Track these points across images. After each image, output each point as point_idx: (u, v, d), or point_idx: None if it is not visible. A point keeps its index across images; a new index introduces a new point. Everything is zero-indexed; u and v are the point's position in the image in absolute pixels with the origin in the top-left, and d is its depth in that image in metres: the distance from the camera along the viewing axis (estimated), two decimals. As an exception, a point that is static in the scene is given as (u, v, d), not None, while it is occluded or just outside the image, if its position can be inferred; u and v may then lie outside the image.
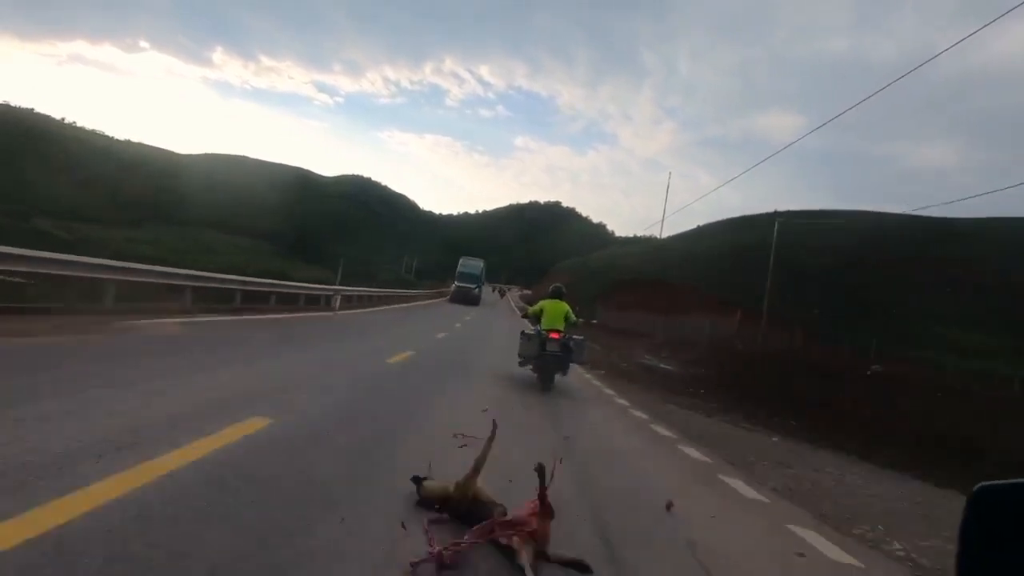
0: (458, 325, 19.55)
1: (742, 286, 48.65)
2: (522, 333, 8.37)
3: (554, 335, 7.84)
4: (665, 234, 77.46)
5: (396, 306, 27.98)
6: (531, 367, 8.02)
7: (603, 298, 44.39)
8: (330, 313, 16.10)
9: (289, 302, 15.71)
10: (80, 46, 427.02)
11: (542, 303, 8.57)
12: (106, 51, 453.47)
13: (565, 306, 8.28)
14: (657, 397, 9.32)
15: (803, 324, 21.81)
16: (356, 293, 23.54)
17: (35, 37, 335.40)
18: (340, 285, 24.39)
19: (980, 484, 0.76)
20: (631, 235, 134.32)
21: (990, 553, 0.76)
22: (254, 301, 13.38)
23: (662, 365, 14.06)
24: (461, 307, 34.16)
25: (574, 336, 8.21)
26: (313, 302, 17.50)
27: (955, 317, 41.99)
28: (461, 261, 45.98)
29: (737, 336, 19.71)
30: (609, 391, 9.23)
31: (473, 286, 42.42)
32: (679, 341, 21.10)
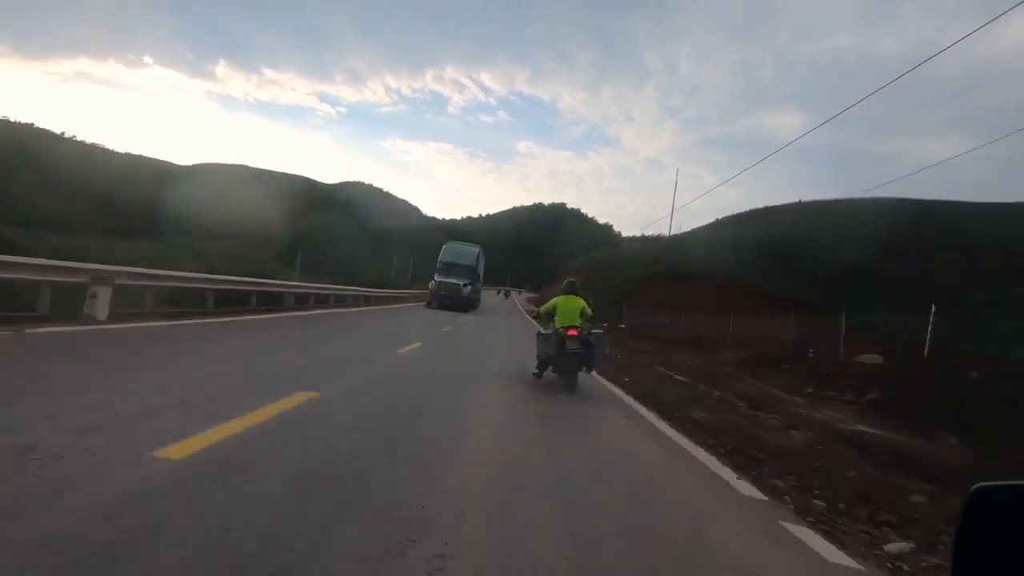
0: (418, 345, 10.98)
1: (785, 283, 42.75)
2: (538, 334, 8.29)
3: (572, 332, 7.47)
4: (671, 233, 69.80)
5: (328, 310, 17.71)
6: (551, 370, 7.73)
7: (627, 297, 37.67)
8: (12, 332, 5.98)
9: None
10: (84, 63, 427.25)
11: (555, 300, 8.24)
12: (110, 68, 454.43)
13: (581, 302, 7.92)
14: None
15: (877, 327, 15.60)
16: (214, 287, 12.31)
17: (40, 56, 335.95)
18: (298, 281, 17.66)
19: (978, 485, 0.73)
20: (638, 235, 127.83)
21: (986, 555, 0.73)
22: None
23: (864, 428, 6.62)
24: (443, 315, 23.02)
25: (593, 330, 7.89)
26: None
27: (1010, 308, 38.10)
28: (445, 248, 31.55)
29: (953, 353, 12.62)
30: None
31: (462, 282, 28.65)
32: (777, 356, 14.30)
